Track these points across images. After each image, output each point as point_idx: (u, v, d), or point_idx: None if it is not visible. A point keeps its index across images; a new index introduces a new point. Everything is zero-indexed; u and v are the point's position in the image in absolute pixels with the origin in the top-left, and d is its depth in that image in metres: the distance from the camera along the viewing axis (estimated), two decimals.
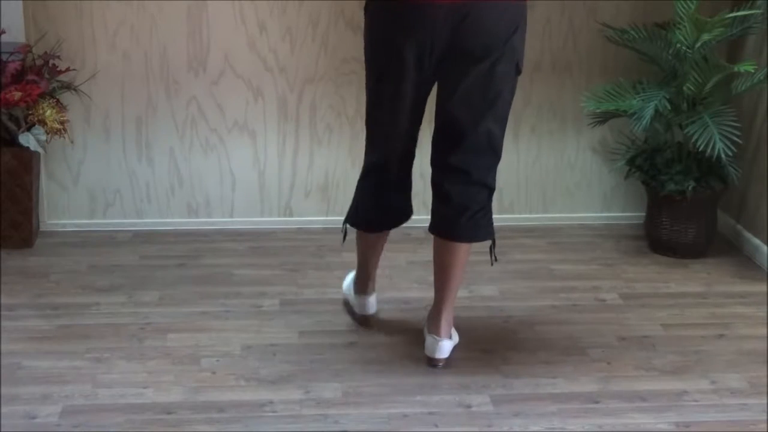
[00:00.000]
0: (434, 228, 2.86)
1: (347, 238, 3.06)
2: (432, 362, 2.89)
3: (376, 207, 2.92)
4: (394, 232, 2.98)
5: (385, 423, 2.61)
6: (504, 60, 2.64)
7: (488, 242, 2.89)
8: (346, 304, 3.23)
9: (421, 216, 4.00)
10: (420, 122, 2.80)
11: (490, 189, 2.80)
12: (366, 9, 2.71)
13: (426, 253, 3.74)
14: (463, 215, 2.77)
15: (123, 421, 2.58)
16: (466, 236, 2.80)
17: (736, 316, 3.28)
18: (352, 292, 3.16)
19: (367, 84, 2.79)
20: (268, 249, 3.80)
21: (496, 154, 2.77)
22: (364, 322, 3.13)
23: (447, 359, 2.89)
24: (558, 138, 4.06)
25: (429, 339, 2.90)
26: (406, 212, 2.97)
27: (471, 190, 2.77)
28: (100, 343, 3.00)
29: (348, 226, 3.01)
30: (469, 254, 2.86)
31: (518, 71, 2.72)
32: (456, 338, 2.95)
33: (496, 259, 2.93)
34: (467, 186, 2.76)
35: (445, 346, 2.88)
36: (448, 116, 2.72)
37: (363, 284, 3.11)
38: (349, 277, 3.20)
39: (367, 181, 2.92)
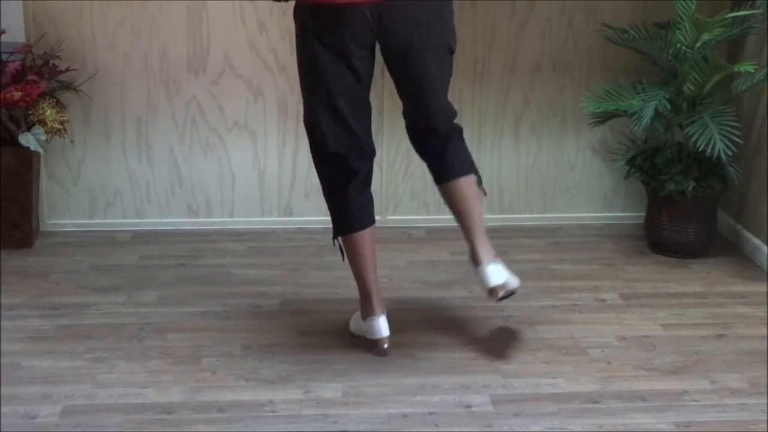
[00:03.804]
0: (435, 179, 2.97)
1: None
2: (493, 294, 2.84)
3: (344, 204, 2.92)
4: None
5: (385, 423, 2.61)
6: (432, 50, 2.79)
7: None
8: (358, 337, 3.04)
9: (421, 216, 4.02)
10: (368, 115, 2.89)
11: (459, 131, 2.96)
12: (294, 13, 2.81)
13: (426, 253, 3.75)
14: (446, 155, 2.91)
15: (123, 421, 2.58)
16: (457, 171, 2.91)
17: (736, 316, 3.28)
18: (359, 321, 3.02)
19: (305, 90, 2.86)
20: (268, 249, 3.80)
21: (451, 118, 2.94)
22: (377, 347, 2.95)
23: (506, 287, 2.85)
24: (558, 138, 4.06)
25: (479, 271, 2.85)
26: (372, 215, 2.97)
27: (445, 141, 2.92)
28: (100, 343, 3.00)
29: (339, 240, 2.98)
30: (475, 191, 2.91)
31: (451, 52, 2.87)
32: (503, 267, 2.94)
33: (485, 193, 3.04)
34: (441, 142, 2.91)
35: (495, 269, 2.84)
36: (403, 101, 2.91)
37: (368, 305, 2.97)
38: (355, 316, 3.08)
39: (329, 187, 2.94)
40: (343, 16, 2.69)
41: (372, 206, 2.97)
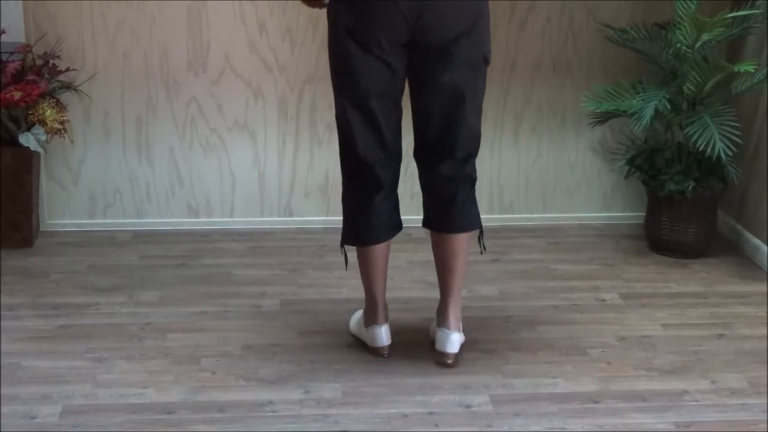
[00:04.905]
0: (427, 222, 2.90)
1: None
2: (443, 357, 2.87)
3: (367, 215, 2.83)
4: None
5: (385, 423, 2.61)
6: (468, 53, 2.67)
7: (480, 237, 2.92)
8: (358, 339, 3.04)
9: (421, 216, 4.01)
10: (399, 117, 2.80)
11: (473, 180, 2.86)
12: (329, 11, 2.73)
13: (426, 253, 3.74)
14: (452, 206, 2.82)
15: (123, 421, 2.58)
16: (458, 226, 2.83)
17: (736, 316, 3.28)
18: (361, 326, 2.99)
19: (335, 89, 2.79)
20: (268, 249, 3.80)
21: (474, 146, 2.82)
22: (377, 356, 2.94)
23: (456, 357, 2.88)
24: (558, 138, 4.06)
25: (439, 333, 2.88)
26: (396, 223, 2.91)
27: (455, 183, 2.82)
28: (100, 343, 3.00)
29: (346, 248, 2.92)
30: (468, 245, 2.86)
31: (486, 62, 2.75)
32: (463, 336, 2.95)
33: (485, 248, 2.95)
34: (451, 179, 2.82)
35: (455, 339, 2.87)
36: (423, 112, 2.76)
37: (373, 313, 2.94)
38: (355, 316, 3.08)
39: (352, 192, 2.86)
40: (380, 11, 2.60)
41: (397, 213, 2.90)
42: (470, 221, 2.86)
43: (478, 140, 2.82)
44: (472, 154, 2.83)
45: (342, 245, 2.93)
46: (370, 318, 2.95)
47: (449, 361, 2.87)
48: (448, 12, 2.62)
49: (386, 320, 2.96)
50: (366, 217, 2.84)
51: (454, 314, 2.88)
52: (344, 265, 2.99)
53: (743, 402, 2.73)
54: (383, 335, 2.94)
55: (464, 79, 2.69)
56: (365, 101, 2.71)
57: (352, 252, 2.93)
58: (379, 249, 2.87)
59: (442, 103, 2.72)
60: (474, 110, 2.76)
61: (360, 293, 2.97)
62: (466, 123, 2.75)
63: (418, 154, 2.86)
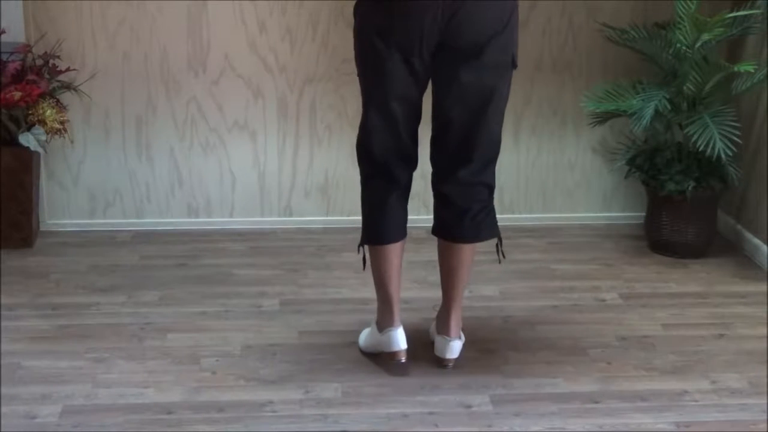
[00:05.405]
0: (437, 230, 2.85)
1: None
2: (442, 363, 2.87)
3: (382, 214, 2.80)
4: None
5: (385, 423, 2.61)
6: (496, 55, 2.63)
7: (493, 240, 2.86)
8: (370, 355, 2.96)
9: (421, 216, 4.02)
10: (418, 121, 2.76)
11: (490, 187, 2.79)
12: (356, 10, 2.69)
13: (426, 253, 3.74)
14: (465, 216, 2.77)
15: (123, 421, 2.58)
16: (469, 237, 2.79)
17: (736, 316, 3.28)
18: (374, 335, 2.91)
19: (361, 87, 2.75)
20: (268, 249, 3.80)
21: (494, 152, 2.77)
22: (395, 361, 2.85)
23: (456, 359, 2.88)
24: (558, 138, 4.06)
25: (439, 339, 2.88)
26: (405, 227, 2.86)
27: (472, 191, 2.76)
28: (100, 343, 3.00)
29: (365, 249, 2.87)
30: (474, 254, 2.85)
31: (514, 65, 2.71)
32: (463, 338, 2.94)
33: (503, 257, 2.89)
34: (467, 187, 2.76)
35: (455, 346, 2.87)
36: (445, 115, 2.71)
37: (388, 316, 2.86)
38: (363, 333, 3.01)
39: (368, 190, 2.83)
40: (410, 11, 2.55)
41: (405, 219, 2.85)
42: (482, 232, 2.80)
43: (498, 146, 2.77)
44: (492, 160, 2.77)
45: (360, 246, 2.88)
46: (386, 321, 2.87)
47: (449, 365, 2.88)
48: (481, 12, 2.56)
49: (401, 323, 2.88)
50: (382, 216, 2.80)
51: (455, 321, 2.87)
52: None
53: (743, 402, 2.73)
54: (399, 338, 2.85)
55: (490, 81, 2.64)
56: (387, 101, 2.67)
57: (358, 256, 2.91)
58: (394, 249, 2.82)
59: (466, 106, 2.66)
60: (497, 115, 2.72)
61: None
62: (488, 127, 2.70)
63: (435, 158, 2.80)
